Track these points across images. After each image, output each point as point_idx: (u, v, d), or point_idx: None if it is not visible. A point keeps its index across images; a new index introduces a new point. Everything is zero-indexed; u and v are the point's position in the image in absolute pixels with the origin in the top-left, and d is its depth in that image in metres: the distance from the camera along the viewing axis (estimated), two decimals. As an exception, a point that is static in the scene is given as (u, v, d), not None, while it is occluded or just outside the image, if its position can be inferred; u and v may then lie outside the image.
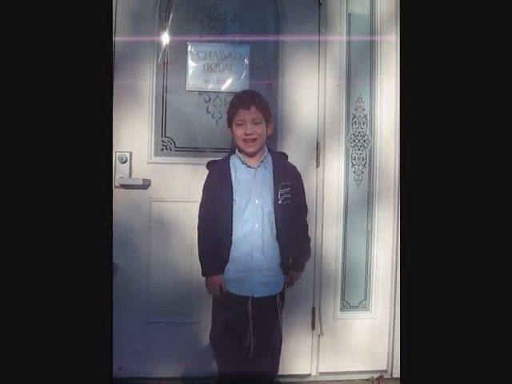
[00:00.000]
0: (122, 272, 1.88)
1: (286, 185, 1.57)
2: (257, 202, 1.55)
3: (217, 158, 1.69)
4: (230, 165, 1.60)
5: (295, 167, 1.70)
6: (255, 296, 1.55)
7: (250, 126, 1.53)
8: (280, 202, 1.56)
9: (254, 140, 1.54)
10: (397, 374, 1.99)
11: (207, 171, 1.66)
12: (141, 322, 1.92)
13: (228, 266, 1.58)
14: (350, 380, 1.99)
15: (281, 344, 1.71)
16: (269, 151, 1.65)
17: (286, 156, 1.71)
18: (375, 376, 2.02)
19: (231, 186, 1.56)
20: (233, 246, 1.56)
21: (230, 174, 1.58)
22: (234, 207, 1.55)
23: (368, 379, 2.01)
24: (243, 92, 1.69)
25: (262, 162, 1.59)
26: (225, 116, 1.72)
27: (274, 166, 1.61)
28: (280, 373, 1.81)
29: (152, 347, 1.93)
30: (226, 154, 1.68)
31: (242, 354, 1.63)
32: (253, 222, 1.55)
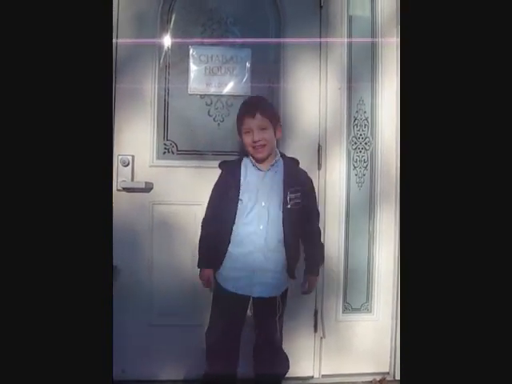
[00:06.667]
0: (125, 275, 1.89)
1: (296, 189, 1.58)
2: (263, 204, 1.56)
3: (230, 159, 1.70)
4: (242, 166, 1.62)
5: (306, 172, 1.70)
6: (254, 296, 1.56)
7: (256, 133, 1.54)
8: (289, 206, 1.56)
9: (262, 146, 1.55)
10: (399, 376, 1.98)
11: (213, 173, 1.66)
12: (143, 324, 1.92)
13: (224, 262, 1.58)
14: (352, 382, 1.99)
15: (281, 346, 1.71)
16: (281, 156, 1.65)
17: (297, 162, 1.71)
18: (377, 378, 2.01)
19: (239, 186, 1.57)
20: (233, 244, 1.57)
21: (240, 174, 1.59)
22: (240, 206, 1.56)
23: (370, 381, 2.00)
24: (248, 100, 1.68)
25: (272, 165, 1.60)
26: (226, 119, 1.72)
27: (284, 170, 1.61)
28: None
29: (155, 350, 1.93)
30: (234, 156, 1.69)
31: (235, 353, 1.63)
32: (258, 223, 1.55)
